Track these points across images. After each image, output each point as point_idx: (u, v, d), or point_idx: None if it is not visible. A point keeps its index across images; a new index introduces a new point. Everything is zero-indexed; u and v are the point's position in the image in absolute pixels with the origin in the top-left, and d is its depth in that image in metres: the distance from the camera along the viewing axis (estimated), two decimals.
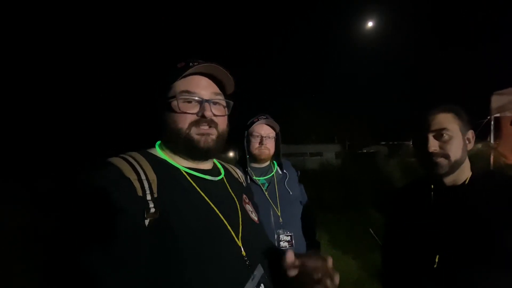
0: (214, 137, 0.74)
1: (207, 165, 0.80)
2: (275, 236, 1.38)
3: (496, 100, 4.17)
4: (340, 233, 4.90)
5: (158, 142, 0.79)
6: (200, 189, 0.71)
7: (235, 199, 0.79)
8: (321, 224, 5.21)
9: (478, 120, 4.29)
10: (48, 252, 0.56)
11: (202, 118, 0.72)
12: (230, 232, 0.69)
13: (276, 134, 1.57)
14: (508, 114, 4.21)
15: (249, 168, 1.51)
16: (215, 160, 0.87)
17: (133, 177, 0.61)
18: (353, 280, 3.20)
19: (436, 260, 0.88)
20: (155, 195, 0.61)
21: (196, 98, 0.72)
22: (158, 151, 0.75)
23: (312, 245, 1.58)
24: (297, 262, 0.70)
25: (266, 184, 1.52)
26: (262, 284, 0.69)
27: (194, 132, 0.72)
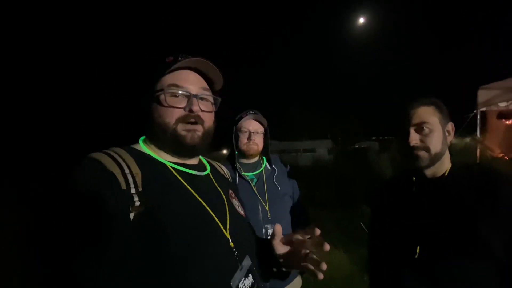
0: (200, 133, 0.74)
1: (192, 161, 0.79)
2: (263, 230, 1.38)
3: (483, 94, 4.24)
4: (332, 228, 4.95)
5: (142, 138, 0.78)
6: (186, 182, 0.70)
7: (222, 193, 0.79)
8: (313, 219, 5.25)
9: (465, 114, 4.37)
10: (33, 251, 0.55)
11: (189, 113, 0.71)
12: (218, 224, 0.69)
13: (265, 130, 1.56)
14: (494, 108, 4.30)
15: (238, 164, 1.51)
16: (201, 157, 0.86)
17: (116, 171, 0.60)
18: (345, 274, 3.25)
19: (417, 251, 0.90)
20: (140, 189, 0.61)
21: (184, 92, 0.71)
22: (142, 147, 0.74)
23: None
24: (284, 238, 0.75)
25: (255, 180, 1.52)
26: (250, 274, 0.69)
27: (180, 128, 0.71)
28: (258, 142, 1.51)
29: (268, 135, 1.59)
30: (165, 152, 0.74)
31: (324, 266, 0.65)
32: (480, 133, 4.46)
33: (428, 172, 0.97)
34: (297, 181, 1.72)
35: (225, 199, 0.78)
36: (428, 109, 0.95)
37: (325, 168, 9.31)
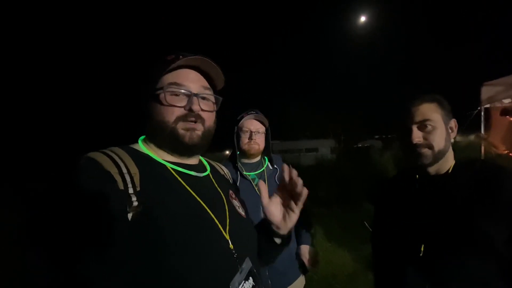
0: (200, 132, 0.72)
1: (192, 161, 0.78)
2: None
3: (486, 91, 4.20)
4: (335, 226, 4.94)
5: (142, 137, 0.77)
6: (185, 183, 0.69)
7: (222, 194, 0.78)
8: (317, 218, 5.25)
9: (468, 111, 4.33)
10: (34, 253, 0.54)
11: (189, 112, 0.70)
12: (218, 225, 0.68)
13: (266, 129, 1.56)
14: (498, 104, 4.25)
15: (239, 164, 1.50)
16: (201, 157, 0.85)
17: (113, 170, 0.59)
18: (348, 273, 3.24)
19: (422, 249, 0.89)
20: (138, 189, 0.60)
21: (184, 91, 0.70)
22: (141, 146, 0.73)
23: (305, 238, 1.59)
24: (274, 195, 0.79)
25: (257, 179, 1.51)
26: (250, 277, 0.68)
27: (180, 126, 0.70)
28: (259, 141, 1.51)
29: (269, 135, 1.58)
30: (165, 151, 0.73)
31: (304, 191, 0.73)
32: (484, 130, 4.42)
33: (432, 170, 0.96)
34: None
35: (225, 200, 0.77)
36: (430, 106, 0.94)
37: (328, 167, 9.27)
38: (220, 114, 0.82)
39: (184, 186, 0.69)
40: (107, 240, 0.53)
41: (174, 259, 0.57)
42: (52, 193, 0.58)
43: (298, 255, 1.52)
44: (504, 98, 4.12)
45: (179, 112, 0.70)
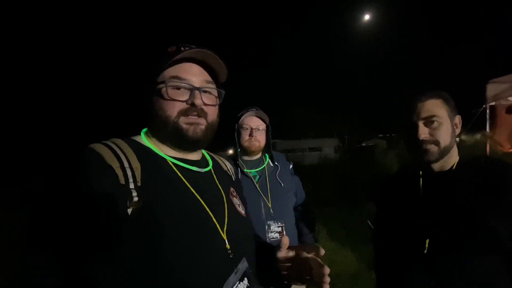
0: (203, 127, 0.71)
1: (195, 156, 0.77)
2: (266, 227, 1.37)
3: (492, 89, 4.15)
4: (338, 226, 4.92)
5: (144, 130, 0.76)
6: (186, 180, 0.68)
7: (222, 192, 0.77)
8: (320, 217, 5.22)
9: (473, 109, 4.27)
10: (35, 251, 0.54)
11: (191, 107, 0.69)
12: (215, 224, 0.67)
13: (267, 126, 1.55)
14: (503, 102, 4.19)
15: (240, 161, 1.50)
16: (204, 151, 0.84)
17: (115, 164, 0.59)
18: (351, 273, 3.22)
19: (426, 246, 0.88)
20: (139, 184, 0.59)
21: (186, 85, 0.69)
22: (144, 139, 0.72)
23: (309, 238, 1.58)
24: (290, 253, 0.70)
25: (257, 176, 1.51)
26: (245, 278, 0.67)
27: (182, 121, 0.69)
28: (260, 138, 1.50)
29: (270, 132, 1.58)
30: (167, 145, 0.72)
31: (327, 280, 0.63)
32: (490, 128, 4.36)
33: (436, 166, 0.95)
34: (303, 179, 1.71)
35: (224, 197, 0.76)
36: (436, 102, 0.92)
37: (331, 167, 9.23)
38: (223, 114, 0.80)
39: (184, 182, 0.68)
40: (106, 235, 0.53)
41: (169, 257, 0.57)
42: (53, 188, 0.58)
43: None
44: (510, 96, 4.06)
45: (181, 106, 0.69)
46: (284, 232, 1.40)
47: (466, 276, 0.82)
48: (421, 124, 0.91)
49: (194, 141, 0.71)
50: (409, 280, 0.91)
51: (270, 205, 1.42)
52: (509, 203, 0.80)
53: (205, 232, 0.64)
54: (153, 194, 0.60)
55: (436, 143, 0.90)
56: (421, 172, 0.99)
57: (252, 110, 1.49)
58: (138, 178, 0.60)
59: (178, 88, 0.69)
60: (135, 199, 0.57)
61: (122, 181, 0.58)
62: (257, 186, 1.46)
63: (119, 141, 0.65)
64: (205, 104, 0.71)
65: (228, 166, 0.94)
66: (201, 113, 0.71)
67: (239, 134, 1.51)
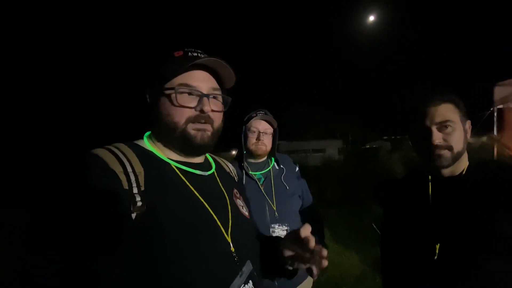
0: (209, 133, 0.72)
1: (198, 159, 0.77)
2: (270, 230, 1.37)
3: (499, 91, 4.09)
4: (343, 228, 4.89)
5: (147, 134, 0.76)
6: (189, 183, 0.68)
7: (225, 194, 0.77)
8: (324, 219, 5.20)
9: (481, 112, 4.23)
10: (33, 250, 0.54)
11: (200, 113, 0.70)
12: (219, 227, 0.67)
13: (274, 130, 1.55)
14: (511, 105, 4.14)
15: (245, 163, 1.50)
16: (207, 154, 0.84)
17: (118, 169, 0.59)
18: (356, 275, 3.20)
19: (437, 251, 0.87)
20: (142, 188, 0.59)
21: (195, 91, 0.70)
22: (147, 143, 0.73)
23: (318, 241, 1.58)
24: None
25: (262, 179, 1.51)
26: (250, 281, 0.67)
27: (190, 127, 0.69)
28: (266, 142, 1.50)
29: (277, 136, 1.57)
30: (171, 150, 0.72)
31: (325, 263, 0.65)
32: (497, 131, 4.31)
33: (447, 171, 0.94)
34: (307, 181, 1.70)
35: (228, 200, 0.76)
36: (449, 106, 0.91)
37: (335, 168, 9.19)
38: (226, 114, 0.81)
39: (188, 186, 0.68)
40: (110, 240, 0.53)
41: (174, 261, 0.57)
42: (55, 194, 0.58)
43: None
44: None
45: (189, 113, 0.69)
46: None
47: (477, 281, 0.81)
48: (435, 129, 0.90)
49: (201, 146, 0.71)
50: (419, 286, 0.90)
51: (275, 208, 1.42)
52: None
53: (209, 235, 0.65)
54: (157, 199, 0.60)
55: (450, 148, 0.89)
56: (430, 177, 0.98)
57: (261, 113, 1.49)
58: (142, 183, 0.60)
59: (187, 94, 0.69)
60: (139, 203, 0.57)
61: (126, 186, 0.58)
62: (262, 188, 1.45)
63: (122, 146, 0.66)
64: (212, 111, 0.72)
65: (230, 168, 0.95)
66: (208, 120, 0.71)
67: (246, 137, 1.51)
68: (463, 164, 0.94)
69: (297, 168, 1.66)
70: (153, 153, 0.70)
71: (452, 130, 0.89)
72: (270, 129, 1.52)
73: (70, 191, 0.57)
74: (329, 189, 7.12)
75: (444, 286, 0.85)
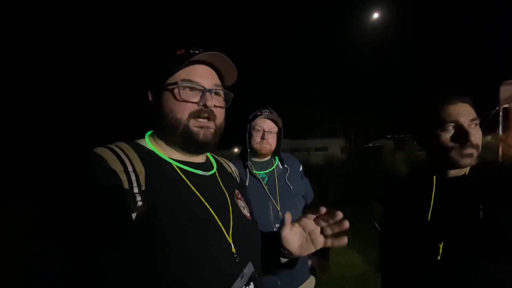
0: (212, 130, 0.71)
1: (199, 159, 0.77)
2: (274, 230, 1.36)
3: (505, 90, 4.05)
4: None
5: (149, 133, 0.76)
6: (191, 183, 0.68)
7: (227, 195, 0.76)
8: None
9: (486, 111, 4.18)
10: (34, 248, 0.54)
11: (203, 108, 0.69)
12: (221, 228, 0.66)
13: (279, 130, 1.54)
14: None
15: (249, 162, 1.49)
16: (208, 154, 0.84)
17: (119, 169, 0.59)
18: (358, 275, 3.20)
19: (440, 251, 0.86)
20: (143, 188, 0.59)
21: (198, 86, 0.69)
22: (148, 143, 0.72)
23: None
24: (295, 228, 0.75)
25: (266, 178, 1.50)
26: (252, 282, 0.67)
27: (193, 124, 0.69)
28: (271, 142, 1.49)
29: (281, 135, 1.56)
30: (173, 149, 0.72)
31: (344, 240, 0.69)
32: (503, 130, 4.26)
33: (453, 172, 0.93)
34: (309, 179, 1.69)
35: (229, 200, 0.75)
36: (468, 106, 0.89)
37: (338, 167, 9.17)
38: (229, 112, 0.80)
39: (190, 186, 0.67)
40: (110, 240, 0.53)
41: (174, 262, 0.56)
42: (57, 193, 0.58)
43: (309, 256, 1.50)
44: None
45: (192, 108, 0.69)
46: None
47: (480, 282, 0.81)
48: (469, 127, 0.87)
49: (204, 144, 0.71)
50: (422, 286, 0.89)
51: (278, 208, 1.41)
52: None
53: (210, 236, 0.64)
54: (158, 198, 0.60)
55: (477, 147, 0.87)
56: (435, 177, 0.96)
57: (266, 112, 1.47)
58: (142, 182, 0.60)
59: (190, 90, 0.69)
60: (139, 203, 0.57)
61: (126, 185, 0.57)
62: (265, 188, 1.45)
63: (123, 145, 0.65)
64: (215, 106, 0.71)
65: (232, 168, 0.94)
66: (211, 116, 0.70)
67: (251, 136, 1.50)
68: None
69: (300, 168, 1.65)
70: (155, 152, 0.70)
71: (478, 129, 0.88)
72: (275, 128, 1.51)
73: (70, 191, 0.57)
74: (331, 188, 7.10)
75: (448, 287, 0.84)
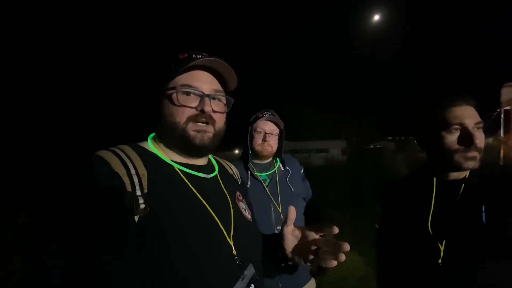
0: (210, 134, 0.72)
1: (201, 161, 0.77)
2: (275, 232, 1.36)
3: (506, 93, 4.05)
4: (346, 229, 4.86)
5: (151, 136, 0.77)
6: (192, 186, 0.69)
7: (228, 197, 0.77)
8: (327, 220, 5.19)
9: (487, 113, 4.18)
10: (35, 250, 0.54)
11: (201, 113, 0.70)
12: (222, 230, 0.67)
13: (280, 131, 1.54)
14: None
15: (250, 164, 1.49)
16: (210, 156, 0.85)
17: (122, 171, 0.59)
18: (359, 276, 3.18)
19: (441, 254, 0.86)
20: (145, 191, 0.59)
21: (197, 91, 0.70)
22: (150, 145, 0.73)
23: None
24: (296, 232, 0.74)
25: (268, 180, 1.50)
26: (252, 284, 0.67)
27: (190, 128, 0.69)
28: (272, 143, 1.49)
29: (283, 137, 1.57)
30: (174, 152, 0.73)
31: (342, 257, 0.64)
32: (504, 132, 4.26)
33: (454, 174, 0.93)
34: (310, 181, 1.70)
35: (230, 202, 0.76)
36: (472, 108, 0.90)
37: (338, 169, 9.16)
38: (230, 113, 0.81)
39: (191, 189, 0.68)
40: (113, 243, 0.53)
41: (176, 264, 0.57)
42: (59, 195, 0.58)
43: None
44: None
45: (190, 112, 0.69)
46: None
47: (483, 284, 0.81)
48: (474, 130, 0.87)
49: (201, 148, 0.71)
50: None
51: (280, 210, 1.41)
52: None
53: (211, 238, 0.64)
54: (160, 201, 0.60)
55: (480, 151, 0.87)
56: (435, 179, 0.96)
57: (267, 114, 1.48)
58: (145, 185, 0.60)
59: (188, 94, 0.70)
60: (142, 206, 0.57)
61: (129, 188, 0.58)
62: (267, 190, 1.45)
63: (126, 148, 0.66)
64: (214, 111, 0.72)
65: (233, 170, 0.95)
66: (210, 120, 0.71)
67: (252, 137, 1.50)
68: None
69: (302, 170, 1.65)
70: (157, 155, 0.71)
71: (481, 132, 0.88)
72: (276, 130, 1.51)
73: (73, 193, 0.57)
74: (332, 190, 7.09)
75: None
